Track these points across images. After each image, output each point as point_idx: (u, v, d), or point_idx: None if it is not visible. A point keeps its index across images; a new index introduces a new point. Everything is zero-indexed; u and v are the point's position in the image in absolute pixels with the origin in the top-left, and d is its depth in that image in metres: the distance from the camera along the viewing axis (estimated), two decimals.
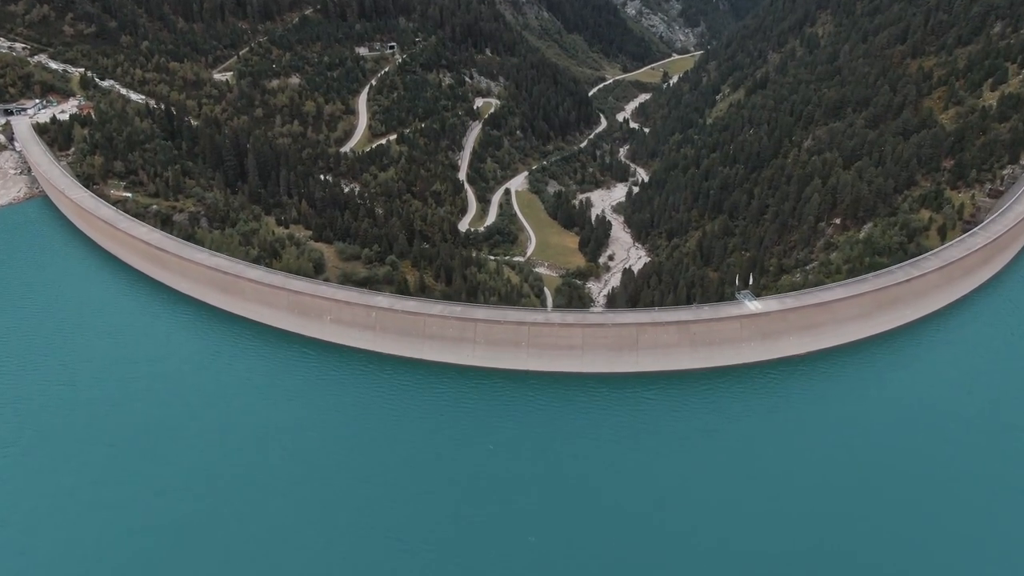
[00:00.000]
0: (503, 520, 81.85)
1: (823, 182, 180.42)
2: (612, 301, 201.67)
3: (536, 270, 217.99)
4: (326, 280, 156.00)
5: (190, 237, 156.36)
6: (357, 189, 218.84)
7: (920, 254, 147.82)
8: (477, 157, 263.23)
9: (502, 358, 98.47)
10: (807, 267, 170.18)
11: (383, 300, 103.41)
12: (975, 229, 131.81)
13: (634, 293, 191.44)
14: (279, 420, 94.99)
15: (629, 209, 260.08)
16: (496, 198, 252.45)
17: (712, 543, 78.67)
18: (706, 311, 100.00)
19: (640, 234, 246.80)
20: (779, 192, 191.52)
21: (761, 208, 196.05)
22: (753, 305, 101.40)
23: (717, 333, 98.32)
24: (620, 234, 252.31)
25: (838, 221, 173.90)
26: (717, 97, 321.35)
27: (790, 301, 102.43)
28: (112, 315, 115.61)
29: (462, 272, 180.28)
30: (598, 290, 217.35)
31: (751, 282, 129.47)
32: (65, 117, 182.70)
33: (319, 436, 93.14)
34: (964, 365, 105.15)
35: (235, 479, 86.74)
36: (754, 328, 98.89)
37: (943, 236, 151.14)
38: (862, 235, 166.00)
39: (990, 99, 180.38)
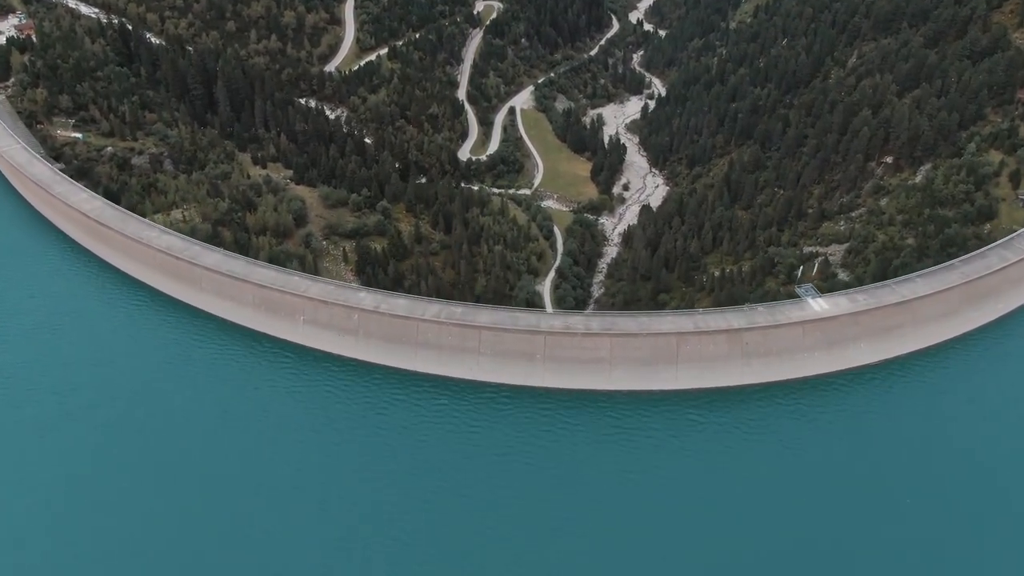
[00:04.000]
0: None
1: (873, 113, 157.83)
2: (628, 240, 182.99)
3: (544, 204, 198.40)
4: (305, 242, 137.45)
5: (150, 186, 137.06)
6: (344, 115, 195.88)
7: (990, 205, 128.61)
8: (478, 71, 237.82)
9: (512, 372, 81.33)
10: (852, 214, 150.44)
11: (367, 299, 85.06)
12: None
13: (654, 237, 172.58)
14: (229, 444, 79.09)
15: (645, 130, 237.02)
16: (499, 119, 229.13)
17: None
18: (761, 315, 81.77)
19: (657, 159, 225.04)
20: (820, 122, 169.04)
21: (798, 139, 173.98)
22: (818, 304, 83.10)
23: (775, 342, 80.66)
24: (635, 158, 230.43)
25: (890, 160, 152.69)
26: None
27: (863, 299, 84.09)
28: (45, 301, 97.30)
29: (462, 217, 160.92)
30: (612, 226, 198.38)
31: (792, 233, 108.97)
32: (1, 40, 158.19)
33: (269, 472, 77.09)
34: None
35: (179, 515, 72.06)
36: (819, 335, 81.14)
37: (1016, 183, 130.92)
38: (918, 178, 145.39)
39: None
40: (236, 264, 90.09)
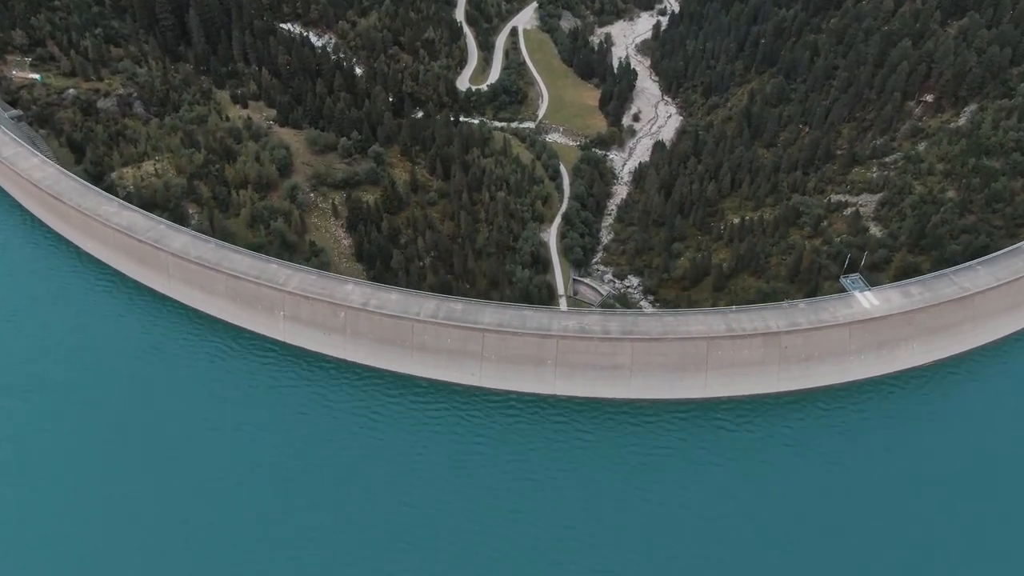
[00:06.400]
0: None
1: (913, 44, 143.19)
2: (640, 180, 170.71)
3: (549, 138, 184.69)
4: (291, 196, 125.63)
5: (118, 134, 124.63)
6: (332, 43, 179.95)
7: None
8: None
9: (520, 379, 72.68)
10: (886, 159, 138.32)
11: (354, 293, 75.18)
12: None
13: (667, 178, 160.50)
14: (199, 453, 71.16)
15: (657, 53, 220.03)
16: (500, 42, 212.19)
17: None
18: (803, 312, 72.06)
19: (670, 86, 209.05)
20: (853, 52, 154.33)
21: (827, 70, 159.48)
22: (866, 299, 73.31)
23: (817, 345, 71.41)
24: (646, 83, 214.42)
25: (930, 99, 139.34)
26: None
27: (918, 293, 74.31)
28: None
29: (462, 160, 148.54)
30: (621, 162, 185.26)
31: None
32: None
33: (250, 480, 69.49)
34: None
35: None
36: (868, 336, 71.83)
37: None
38: (962, 121, 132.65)
39: None
40: (206, 249, 79.94)
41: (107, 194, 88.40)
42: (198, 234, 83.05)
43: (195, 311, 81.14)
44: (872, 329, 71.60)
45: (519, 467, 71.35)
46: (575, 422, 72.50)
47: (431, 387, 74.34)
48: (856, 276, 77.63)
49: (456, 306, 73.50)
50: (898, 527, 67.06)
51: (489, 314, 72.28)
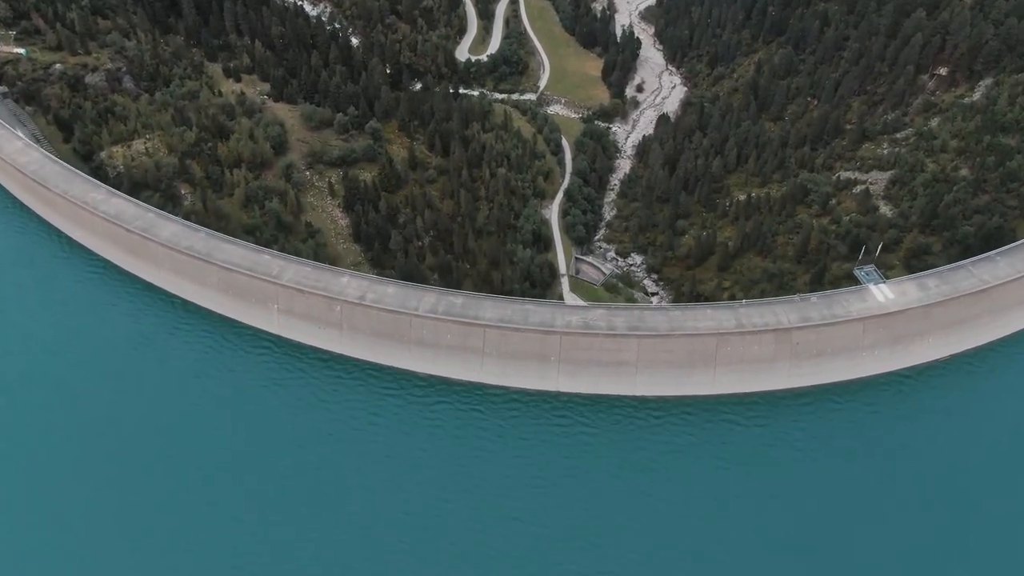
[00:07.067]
0: None
1: (928, 14, 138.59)
2: (643, 155, 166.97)
3: (551, 110, 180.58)
4: (286, 175, 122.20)
5: (107, 111, 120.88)
6: (327, 12, 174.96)
7: None
8: None
9: (523, 375, 70.35)
10: (897, 135, 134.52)
11: (351, 286, 72.51)
12: None
13: (672, 153, 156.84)
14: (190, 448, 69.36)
15: (662, 20, 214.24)
16: (501, 10, 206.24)
17: None
18: (815, 307, 69.59)
19: (675, 55, 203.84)
20: (865, 22, 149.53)
21: (838, 41, 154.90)
22: (881, 293, 70.65)
23: (829, 341, 69.01)
24: (650, 52, 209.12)
25: (944, 72, 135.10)
26: None
27: (934, 285, 71.65)
28: None
29: (461, 135, 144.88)
30: (625, 135, 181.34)
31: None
32: None
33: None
34: None
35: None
36: (882, 332, 69.36)
37: None
38: (977, 96, 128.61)
39: None
40: (197, 238, 76.97)
41: (94, 180, 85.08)
42: (188, 223, 80.00)
43: (187, 302, 78.54)
44: (887, 324, 69.08)
45: (521, 465, 69.41)
46: (579, 419, 70.38)
47: (431, 383, 72.08)
48: (871, 268, 74.96)
49: (456, 300, 70.89)
50: (912, 525, 65.31)
51: (490, 309, 69.73)
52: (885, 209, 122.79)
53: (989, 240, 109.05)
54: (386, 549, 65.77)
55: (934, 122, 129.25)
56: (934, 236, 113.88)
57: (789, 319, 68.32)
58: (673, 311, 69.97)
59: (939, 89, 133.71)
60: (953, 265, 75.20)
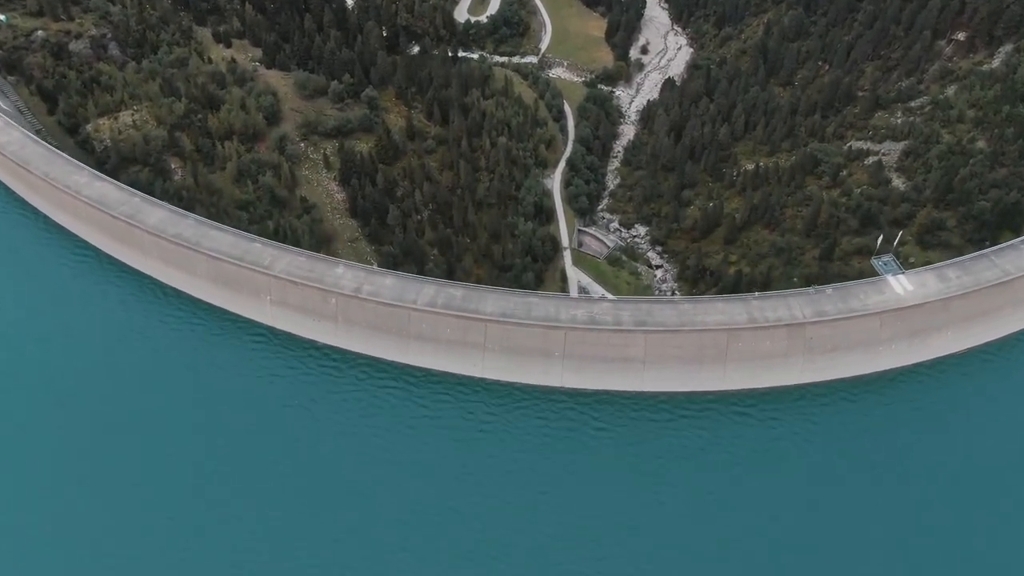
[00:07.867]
0: None
1: None
2: (648, 121, 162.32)
3: (553, 74, 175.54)
4: (280, 147, 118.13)
5: (93, 81, 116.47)
6: None
7: None
8: None
9: (525, 371, 67.80)
10: (912, 104, 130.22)
11: (346, 277, 69.56)
12: None
13: (678, 120, 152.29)
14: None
15: None
16: None
17: None
18: (830, 300, 66.77)
19: (680, 14, 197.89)
20: None
21: (851, 3, 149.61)
22: (899, 284, 67.80)
23: (845, 336, 66.36)
24: (655, 11, 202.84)
25: (962, 37, 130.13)
26: None
27: (955, 276, 68.68)
28: None
29: (460, 103, 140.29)
30: (629, 99, 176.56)
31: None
32: None
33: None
34: None
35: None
36: (900, 325, 66.66)
37: None
38: (996, 63, 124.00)
39: None
40: (185, 225, 73.69)
41: (76, 162, 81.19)
42: (176, 209, 76.55)
43: (176, 291, 75.62)
44: (905, 317, 66.35)
45: (524, 463, 67.30)
46: (584, 415, 68.06)
47: (430, 378, 69.58)
48: (889, 258, 71.75)
49: (456, 292, 67.96)
50: (929, 521, 63.45)
51: (492, 302, 66.82)
52: (898, 182, 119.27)
53: (1006, 216, 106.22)
54: (384, 547, 63.99)
55: (951, 90, 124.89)
56: (948, 211, 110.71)
57: (804, 313, 65.58)
58: (683, 304, 67.14)
59: (956, 55, 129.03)
60: (975, 254, 72.02)
